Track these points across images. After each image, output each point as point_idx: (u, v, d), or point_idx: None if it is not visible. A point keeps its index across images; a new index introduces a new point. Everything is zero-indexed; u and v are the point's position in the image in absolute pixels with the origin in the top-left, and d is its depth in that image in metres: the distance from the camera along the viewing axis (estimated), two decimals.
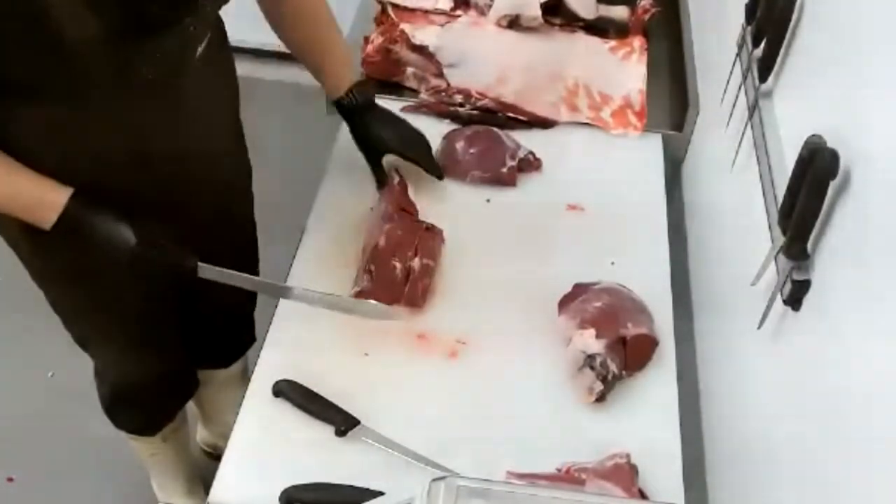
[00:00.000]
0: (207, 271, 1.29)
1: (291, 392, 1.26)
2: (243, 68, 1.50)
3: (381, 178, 1.52)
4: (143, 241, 1.22)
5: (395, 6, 1.86)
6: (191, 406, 1.90)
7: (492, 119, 1.71)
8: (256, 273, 1.72)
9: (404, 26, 1.79)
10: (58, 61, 1.08)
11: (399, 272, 1.38)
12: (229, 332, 1.87)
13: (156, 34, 1.15)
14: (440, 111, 1.73)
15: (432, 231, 1.46)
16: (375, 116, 1.49)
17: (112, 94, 1.17)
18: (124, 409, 1.78)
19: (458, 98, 1.73)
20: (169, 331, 1.64)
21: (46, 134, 1.19)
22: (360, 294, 1.38)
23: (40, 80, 1.12)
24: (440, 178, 1.56)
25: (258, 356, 1.34)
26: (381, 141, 1.49)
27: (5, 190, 1.19)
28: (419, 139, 1.53)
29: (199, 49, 1.25)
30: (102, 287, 1.41)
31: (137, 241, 1.21)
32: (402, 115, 1.60)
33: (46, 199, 1.19)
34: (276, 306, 1.40)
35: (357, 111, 1.48)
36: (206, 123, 1.35)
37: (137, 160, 1.25)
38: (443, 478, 0.93)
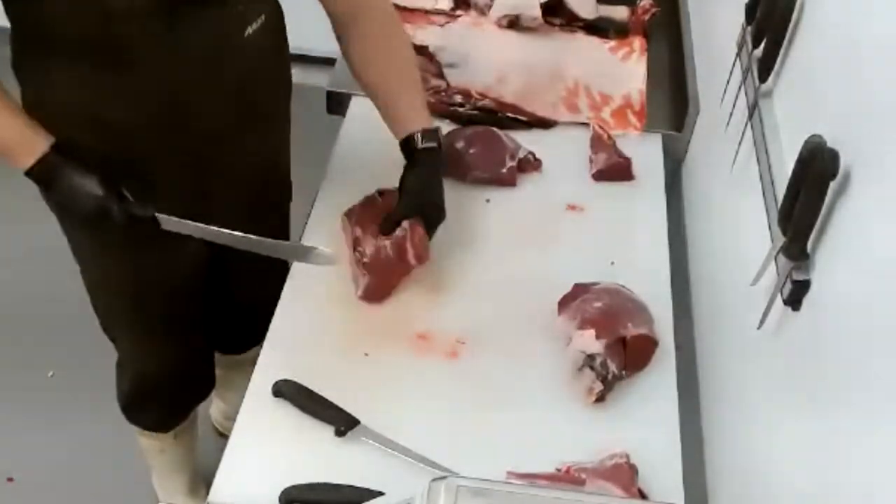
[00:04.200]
0: (167, 222, 1.32)
1: (291, 392, 1.26)
2: None
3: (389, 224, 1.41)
4: (108, 192, 1.27)
5: (396, 6, 1.86)
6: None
7: (492, 119, 1.71)
8: (286, 271, 1.73)
9: (404, 26, 1.79)
10: (106, 28, 1.15)
11: (390, 249, 1.37)
12: (256, 321, 1.87)
13: (202, 9, 1.20)
14: (440, 111, 1.73)
15: (387, 194, 1.44)
16: (423, 170, 1.40)
17: (152, 60, 1.21)
18: (142, 403, 1.78)
19: (458, 98, 1.73)
20: (190, 318, 1.65)
21: (87, 91, 1.24)
22: (364, 295, 1.38)
23: (87, 45, 1.18)
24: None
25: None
26: (401, 197, 1.40)
27: None
28: (434, 210, 1.41)
29: (249, 30, 1.28)
30: (135, 263, 1.46)
31: (103, 193, 1.27)
32: None
33: (29, 145, 1.25)
34: (277, 305, 1.40)
35: (414, 156, 1.39)
36: (243, 104, 1.36)
37: (167, 127, 1.29)
38: (443, 478, 0.93)
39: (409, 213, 1.37)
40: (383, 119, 1.42)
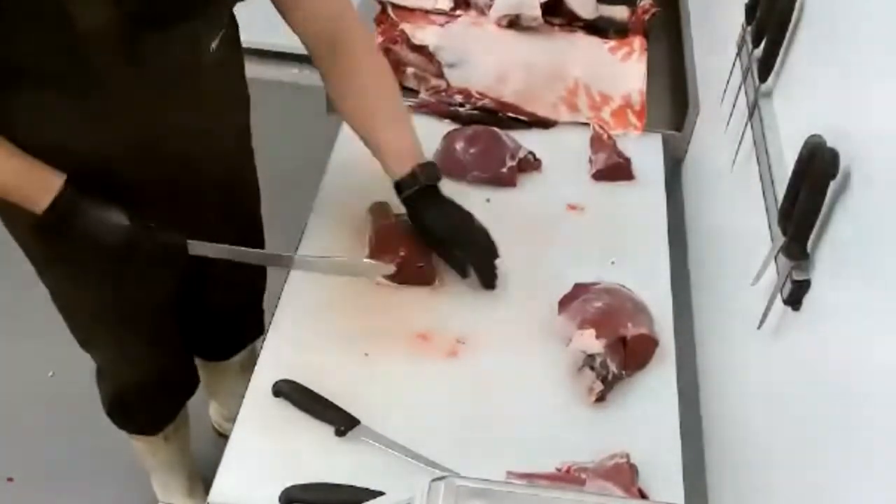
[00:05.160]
0: (198, 247, 1.30)
1: (291, 392, 1.26)
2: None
3: (458, 268, 1.41)
4: (135, 221, 1.24)
5: (395, 6, 1.86)
6: (194, 399, 1.90)
7: (492, 119, 1.71)
8: (264, 270, 1.73)
9: (404, 26, 1.79)
10: (69, 52, 1.10)
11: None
12: (236, 327, 1.88)
13: (165, 29, 1.16)
14: (440, 111, 1.73)
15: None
16: (434, 203, 1.37)
17: (120, 86, 1.18)
18: (125, 409, 1.79)
19: (458, 98, 1.73)
20: (169, 329, 1.64)
21: (56, 124, 1.20)
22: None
23: (51, 70, 1.13)
24: (490, 287, 1.41)
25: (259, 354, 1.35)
26: (430, 231, 1.38)
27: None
28: (479, 236, 1.39)
29: (212, 46, 1.25)
30: (105, 283, 1.42)
31: (130, 223, 1.23)
32: None
33: (42, 183, 1.20)
34: (276, 306, 1.40)
35: (416, 195, 1.35)
36: (213, 120, 1.34)
37: (142, 152, 1.26)
38: (443, 478, 0.93)
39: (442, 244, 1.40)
40: (375, 156, 1.38)
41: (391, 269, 1.38)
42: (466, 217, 1.40)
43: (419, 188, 1.35)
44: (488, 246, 1.40)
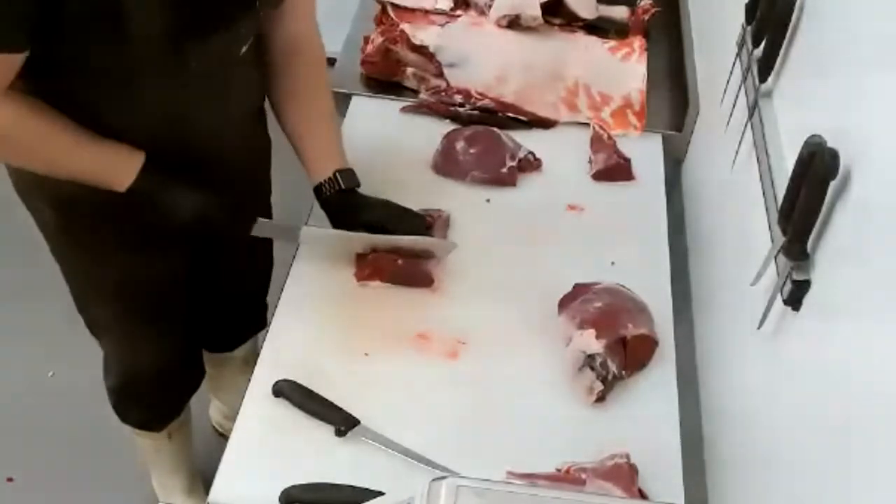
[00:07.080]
0: (262, 226, 1.39)
1: (291, 392, 1.26)
2: None
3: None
4: (207, 198, 1.32)
5: (395, 6, 1.86)
6: (195, 398, 1.90)
7: (492, 119, 1.71)
8: (272, 259, 1.76)
9: (404, 26, 1.79)
10: (121, 52, 1.17)
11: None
12: (241, 318, 1.90)
13: (210, 33, 1.23)
14: (440, 111, 1.73)
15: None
16: (359, 201, 1.42)
17: (161, 82, 1.24)
18: (131, 402, 1.79)
19: (458, 98, 1.73)
20: (178, 316, 1.66)
21: (102, 114, 1.25)
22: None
23: (104, 67, 1.19)
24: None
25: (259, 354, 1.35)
26: (369, 225, 1.41)
27: (82, 157, 1.26)
28: (408, 214, 1.45)
29: (244, 47, 1.31)
30: (120, 265, 1.46)
31: (204, 198, 1.31)
32: (402, 116, 1.57)
33: (122, 163, 1.27)
34: (277, 305, 1.41)
35: (334, 199, 1.40)
36: (239, 112, 1.40)
37: (170, 133, 1.30)
38: (443, 478, 0.93)
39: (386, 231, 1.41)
40: (300, 161, 1.44)
41: (454, 245, 1.44)
42: (387, 204, 1.43)
43: (338, 191, 1.39)
44: (418, 219, 1.45)
